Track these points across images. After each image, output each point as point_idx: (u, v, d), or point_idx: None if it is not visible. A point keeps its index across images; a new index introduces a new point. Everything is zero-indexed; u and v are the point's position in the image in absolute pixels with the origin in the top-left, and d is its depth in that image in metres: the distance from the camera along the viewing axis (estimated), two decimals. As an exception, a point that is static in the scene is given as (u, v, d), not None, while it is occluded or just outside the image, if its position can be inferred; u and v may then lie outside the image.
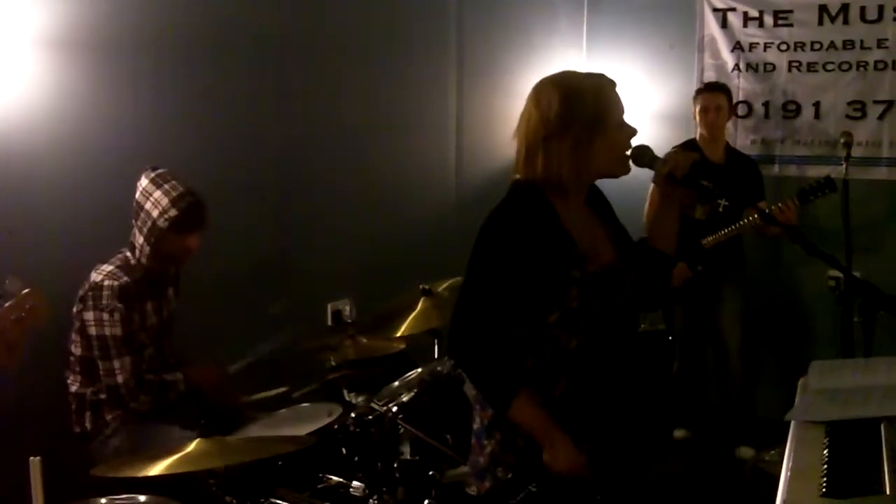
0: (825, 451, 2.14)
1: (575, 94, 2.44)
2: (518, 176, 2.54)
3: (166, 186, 3.47)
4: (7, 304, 2.53)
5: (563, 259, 2.43)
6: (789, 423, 2.40)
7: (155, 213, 3.45)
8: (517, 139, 2.53)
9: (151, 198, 3.46)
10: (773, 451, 4.86)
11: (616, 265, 2.55)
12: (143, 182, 3.51)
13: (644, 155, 2.54)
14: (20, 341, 2.68)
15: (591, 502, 2.50)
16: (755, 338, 5.53)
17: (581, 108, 2.43)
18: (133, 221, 3.52)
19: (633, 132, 2.52)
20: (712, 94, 5.33)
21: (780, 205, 4.87)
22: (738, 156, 5.46)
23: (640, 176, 2.72)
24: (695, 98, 5.43)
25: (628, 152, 2.51)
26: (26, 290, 2.58)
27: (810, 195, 4.92)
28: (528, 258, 2.39)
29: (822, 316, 5.57)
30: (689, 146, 5.33)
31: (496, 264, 2.42)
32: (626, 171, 2.54)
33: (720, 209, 5.02)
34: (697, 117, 5.35)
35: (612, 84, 2.53)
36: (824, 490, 1.92)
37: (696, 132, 5.41)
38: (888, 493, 1.83)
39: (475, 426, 2.63)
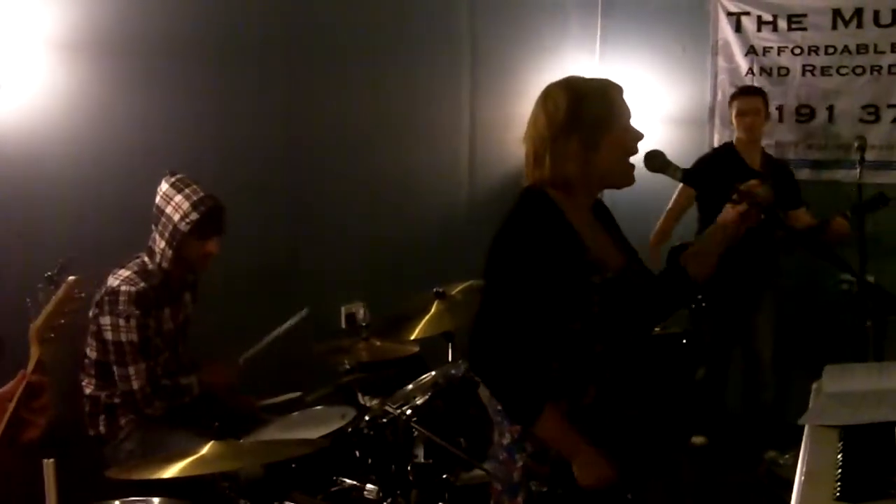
0: (839, 455, 2.14)
1: (581, 97, 2.49)
2: (527, 183, 2.56)
3: (187, 191, 3.49)
4: (58, 299, 2.49)
5: (581, 266, 2.44)
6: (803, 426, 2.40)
7: (176, 217, 3.46)
8: (526, 143, 2.57)
9: (172, 202, 3.48)
10: (787, 455, 4.85)
11: (626, 269, 2.55)
12: (164, 187, 3.52)
13: (656, 159, 2.55)
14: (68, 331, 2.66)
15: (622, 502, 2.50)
16: (789, 345, 5.48)
17: (587, 110, 2.48)
18: (153, 226, 3.53)
19: (639, 136, 2.55)
20: (750, 98, 5.25)
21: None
22: (775, 162, 5.38)
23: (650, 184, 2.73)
24: (731, 102, 5.37)
25: (632, 158, 2.53)
26: (73, 278, 2.54)
27: (866, 210, 4.90)
28: (546, 268, 2.40)
29: (838, 319, 5.53)
30: (727, 151, 5.30)
31: (514, 278, 2.41)
32: (630, 180, 2.56)
33: (761, 216, 4.98)
34: (734, 121, 5.27)
35: (618, 88, 2.57)
36: (838, 494, 1.92)
37: (733, 136, 5.37)
38: (902, 496, 1.83)
39: (504, 441, 2.57)
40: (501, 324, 2.42)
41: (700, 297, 4.80)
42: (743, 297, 5.19)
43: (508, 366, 2.42)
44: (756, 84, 5.79)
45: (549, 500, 2.47)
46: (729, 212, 2.55)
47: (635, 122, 2.58)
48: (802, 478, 2.06)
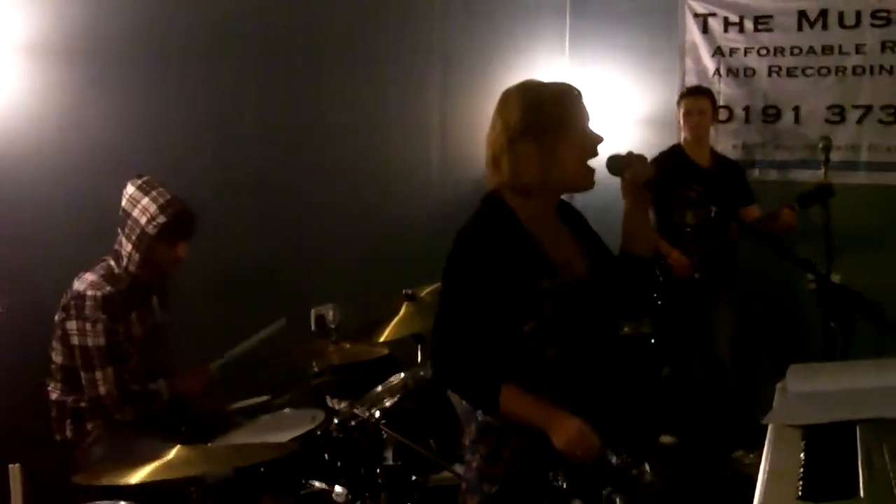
0: (802, 455, 2.15)
1: (538, 102, 2.50)
2: (489, 186, 2.58)
3: (154, 193, 3.46)
4: None
5: (533, 270, 2.45)
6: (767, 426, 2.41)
7: (143, 220, 3.43)
8: (486, 147, 2.58)
9: (139, 205, 3.45)
10: (752, 454, 4.88)
11: (588, 275, 2.56)
12: (130, 189, 3.49)
13: (617, 164, 2.57)
14: None
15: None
16: (749, 342, 5.53)
17: (543, 114, 2.48)
18: (119, 229, 3.50)
19: (598, 139, 2.56)
20: (695, 98, 5.36)
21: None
22: (724, 160, 5.50)
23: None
24: (678, 102, 5.46)
25: (590, 161, 2.54)
26: None
27: (811, 201, 4.96)
28: (497, 271, 2.42)
29: (807, 318, 5.58)
30: (674, 151, 5.36)
31: (467, 280, 2.44)
32: (590, 184, 2.57)
33: (712, 214, 5.05)
34: (681, 121, 5.38)
35: (577, 92, 2.58)
36: (801, 493, 1.94)
37: (681, 137, 5.43)
38: (863, 496, 1.85)
39: (465, 442, 2.63)
40: (453, 323, 2.45)
41: (655, 295, 4.84)
42: (698, 296, 5.25)
43: (464, 361, 2.45)
44: (723, 85, 5.85)
45: (501, 501, 2.48)
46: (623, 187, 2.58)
47: (604, 124, 2.60)
48: (765, 477, 2.07)
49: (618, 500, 2.35)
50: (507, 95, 2.57)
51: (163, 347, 3.74)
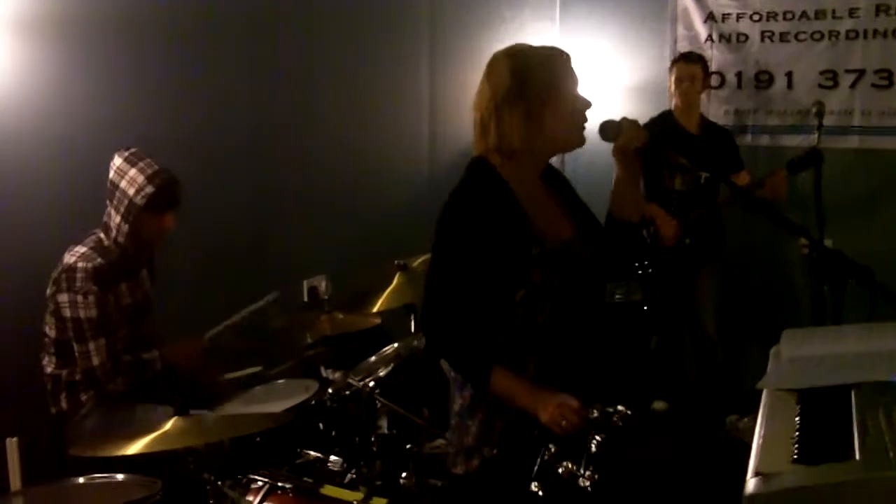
0: (797, 419, 2.16)
1: (525, 66, 2.50)
2: (475, 152, 2.57)
3: (141, 164, 3.45)
4: None
5: (522, 237, 2.45)
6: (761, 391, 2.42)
7: (131, 192, 3.43)
8: (473, 112, 2.58)
9: (127, 176, 3.44)
10: (745, 419, 4.91)
11: (574, 241, 2.56)
12: (117, 161, 3.49)
13: (610, 129, 2.56)
14: None
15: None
16: (737, 310, 5.54)
17: (531, 78, 2.48)
18: (108, 201, 3.49)
19: (586, 104, 2.56)
20: (687, 65, 5.33)
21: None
22: (714, 127, 5.48)
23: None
24: (670, 68, 5.44)
25: (585, 124, 2.54)
26: None
27: (800, 167, 4.95)
28: (487, 239, 2.43)
29: (797, 285, 5.60)
30: (664, 117, 5.34)
31: (457, 248, 2.45)
32: (581, 142, 2.57)
33: (701, 181, 5.04)
34: (672, 87, 5.36)
35: (565, 56, 2.57)
36: (796, 457, 1.94)
37: (672, 103, 5.41)
38: (858, 458, 1.85)
39: (456, 407, 2.64)
40: (444, 293, 2.47)
41: (647, 262, 4.85)
42: (687, 264, 5.25)
43: (456, 333, 2.47)
44: (715, 51, 5.82)
45: (500, 464, 2.49)
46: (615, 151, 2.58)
47: (595, 91, 2.59)
48: (760, 441, 2.07)
49: (597, 438, 2.37)
50: (495, 60, 2.57)
51: (152, 319, 3.74)
